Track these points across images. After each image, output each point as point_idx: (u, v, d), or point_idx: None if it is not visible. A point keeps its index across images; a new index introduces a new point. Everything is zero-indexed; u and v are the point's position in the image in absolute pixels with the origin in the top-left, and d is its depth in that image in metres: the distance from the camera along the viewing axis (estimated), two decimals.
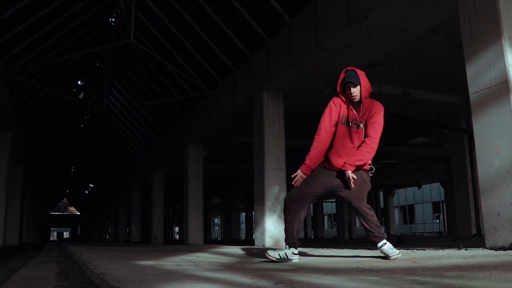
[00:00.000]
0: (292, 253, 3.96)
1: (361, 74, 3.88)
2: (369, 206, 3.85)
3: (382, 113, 3.86)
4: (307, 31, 7.87)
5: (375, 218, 3.83)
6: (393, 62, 9.02)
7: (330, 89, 8.37)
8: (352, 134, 3.86)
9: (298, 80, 8.93)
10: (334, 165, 3.85)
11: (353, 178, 3.72)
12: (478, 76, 4.55)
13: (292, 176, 3.98)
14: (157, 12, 12.01)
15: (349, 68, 3.93)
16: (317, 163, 3.94)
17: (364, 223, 3.80)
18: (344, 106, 3.93)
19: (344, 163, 3.76)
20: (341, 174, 3.80)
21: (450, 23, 6.63)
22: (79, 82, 19.23)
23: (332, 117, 3.92)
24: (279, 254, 3.93)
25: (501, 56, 4.30)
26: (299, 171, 3.94)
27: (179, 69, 12.73)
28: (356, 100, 3.87)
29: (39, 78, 13.88)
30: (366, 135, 3.81)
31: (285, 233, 4.01)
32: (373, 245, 3.90)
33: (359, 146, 3.81)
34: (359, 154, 3.77)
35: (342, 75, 3.93)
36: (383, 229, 3.92)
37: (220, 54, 11.08)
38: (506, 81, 4.24)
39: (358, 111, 3.88)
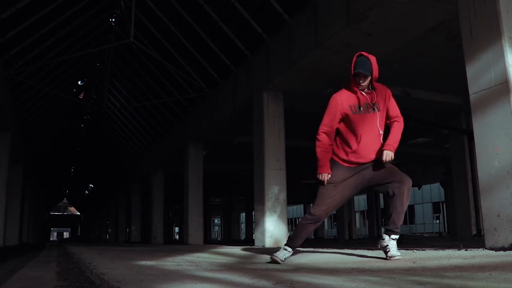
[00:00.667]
0: (291, 255, 4.14)
1: (373, 60, 3.77)
2: None
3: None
4: (307, 31, 7.87)
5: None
6: (393, 62, 9.01)
7: (330, 89, 8.36)
8: (368, 119, 3.78)
9: (298, 80, 8.93)
10: (367, 157, 3.77)
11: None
12: (478, 76, 4.54)
13: (320, 180, 3.86)
14: (157, 12, 12.01)
15: (363, 53, 3.80)
16: (327, 157, 3.85)
17: (403, 201, 3.69)
18: (348, 95, 3.83)
19: (387, 144, 3.73)
20: (374, 164, 3.77)
21: (450, 23, 6.63)
22: (79, 82, 19.25)
23: (335, 117, 3.85)
24: (284, 257, 4.06)
25: (501, 56, 4.30)
26: (320, 175, 3.84)
27: (179, 69, 12.72)
28: (362, 88, 3.81)
29: (39, 78, 13.88)
30: (390, 117, 3.85)
31: (295, 237, 4.05)
32: (391, 228, 3.74)
33: (391, 126, 3.82)
34: (396, 135, 3.79)
35: (354, 59, 3.81)
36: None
37: (220, 54, 11.08)
38: (506, 81, 4.24)
39: (369, 94, 3.81)
